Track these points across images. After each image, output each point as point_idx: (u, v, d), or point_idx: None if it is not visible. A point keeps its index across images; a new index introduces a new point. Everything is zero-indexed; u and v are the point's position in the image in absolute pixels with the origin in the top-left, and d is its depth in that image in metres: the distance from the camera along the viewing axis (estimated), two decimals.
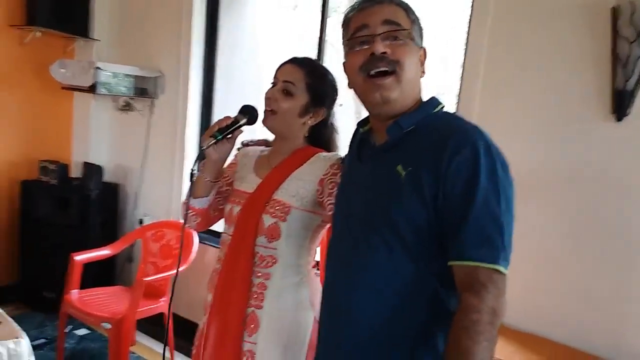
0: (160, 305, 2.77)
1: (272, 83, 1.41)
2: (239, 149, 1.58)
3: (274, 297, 1.36)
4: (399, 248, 1.02)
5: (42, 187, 3.38)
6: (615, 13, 1.84)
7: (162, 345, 2.95)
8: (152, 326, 3.02)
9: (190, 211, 1.45)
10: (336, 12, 2.99)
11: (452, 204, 0.97)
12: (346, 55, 1.16)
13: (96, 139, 3.72)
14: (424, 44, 1.15)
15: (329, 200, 1.32)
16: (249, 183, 1.44)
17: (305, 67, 1.39)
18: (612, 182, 1.90)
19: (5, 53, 3.36)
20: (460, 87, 2.22)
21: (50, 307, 3.10)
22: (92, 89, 3.24)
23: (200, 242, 2.90)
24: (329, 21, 2.79)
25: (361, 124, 1.24)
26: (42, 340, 2.94)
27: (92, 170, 3.41)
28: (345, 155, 1.35)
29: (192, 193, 1.41)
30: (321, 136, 1.46)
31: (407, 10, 1.12)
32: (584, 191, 1.95)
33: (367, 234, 1.07)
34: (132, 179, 3.63)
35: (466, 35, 2.19)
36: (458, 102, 2.22)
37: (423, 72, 1.14)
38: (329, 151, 1.45)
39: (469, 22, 2.19)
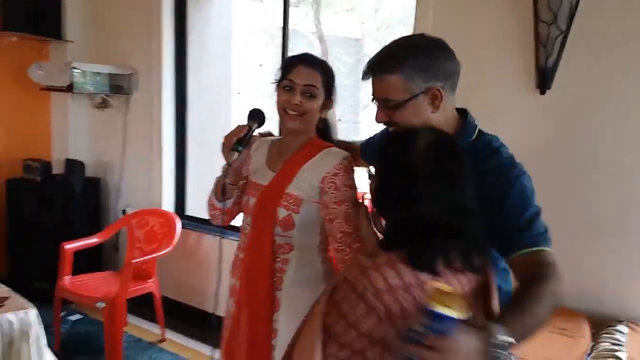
0: (149, 285, 3.00)
1: (286, 87, 1.48)
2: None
3: (292, 280, 1.49)
4: None
5: (26, 185, 3.55)
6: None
7: (150, 323, 3.19)
8: (140, 307, 3.24)
9: (217, 211, 1.61)
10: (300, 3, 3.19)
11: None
12: None
13: (75, 136, 3.89)
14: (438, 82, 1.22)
15: (323, 200, 1.45)
16: (262, 175, 1.56)
17: (319, 68, 1.50)
18: (538, 150, 2.18)
19: None
20: None
21: (43, 297, 3.27)
22: (69, 88, 3.41)
23: (183, 227, 3.13)
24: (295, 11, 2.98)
25: None
26: None
27: (74, 166, 3.58)
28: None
29: (217, 196, 1.57)
30: (326, 122, 1.61)
31: (407, 73, 1.19)
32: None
33: None
34: (113, 173, 3.82)
35: (413, 25, 2.47)
36: None
37: (437, 107, 1.23)
38: (331, 140, 1.60)
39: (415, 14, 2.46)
